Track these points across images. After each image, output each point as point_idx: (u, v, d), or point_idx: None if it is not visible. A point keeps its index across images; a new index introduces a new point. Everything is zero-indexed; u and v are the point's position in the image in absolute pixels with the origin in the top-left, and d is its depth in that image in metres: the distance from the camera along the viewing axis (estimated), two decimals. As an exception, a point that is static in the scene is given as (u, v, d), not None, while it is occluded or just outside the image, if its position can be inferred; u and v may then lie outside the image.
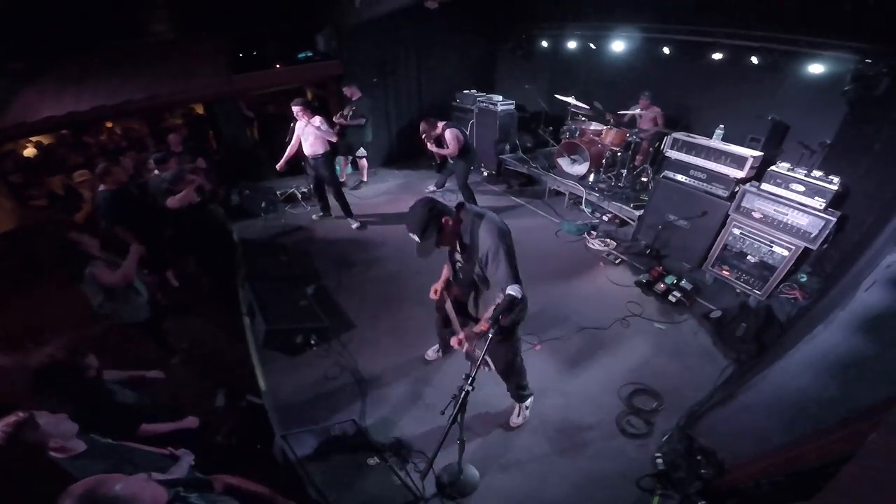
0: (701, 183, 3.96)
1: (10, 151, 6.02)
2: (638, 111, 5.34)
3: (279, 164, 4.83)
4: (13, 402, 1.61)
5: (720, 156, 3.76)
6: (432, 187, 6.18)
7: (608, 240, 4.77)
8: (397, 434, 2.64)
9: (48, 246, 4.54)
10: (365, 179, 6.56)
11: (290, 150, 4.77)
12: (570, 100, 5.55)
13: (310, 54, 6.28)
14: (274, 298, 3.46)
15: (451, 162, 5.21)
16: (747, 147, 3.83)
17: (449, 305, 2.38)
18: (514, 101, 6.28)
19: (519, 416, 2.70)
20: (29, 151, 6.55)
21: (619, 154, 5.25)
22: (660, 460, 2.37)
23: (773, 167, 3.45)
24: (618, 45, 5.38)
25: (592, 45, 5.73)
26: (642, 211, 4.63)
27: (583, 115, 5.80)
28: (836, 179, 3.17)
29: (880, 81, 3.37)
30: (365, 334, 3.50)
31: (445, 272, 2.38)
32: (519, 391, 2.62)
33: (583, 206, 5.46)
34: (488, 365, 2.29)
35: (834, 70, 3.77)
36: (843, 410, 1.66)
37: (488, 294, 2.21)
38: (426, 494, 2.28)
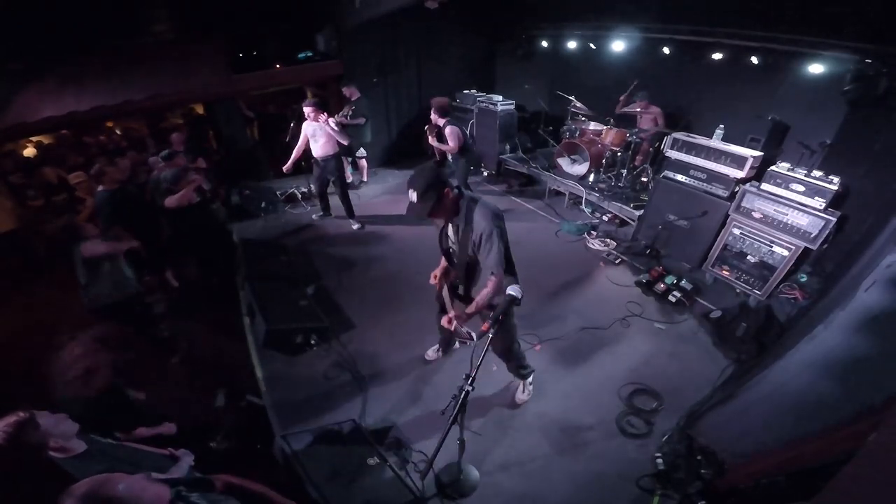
0: (701, 183, 3.96)
1: (10, 151, 6.02)
2: (638, 110, 5.34)
3: (286, 166, 4.79)
4: None
5: (720, 156, 3.76)
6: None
7: (608, 240, 4.77)
8: (397, 434, 2.64)
9: (48, 245, 4.55)
10: (365, 179, 6.56)
11: (297, 151, 4.75)
12: (572, 99, 5.54)
13: (310, 54, 6.27)
14: (274, 298, 3.46)
15: (451, 160, 5.21)
16: (747, 147, 3.83)
17: (446, 292, 2.41)
18: (514, 101, 6.27)
19: (524, 392, 2.80)
20: (29, 151, 6.55)
21: (619, 154, 5.25)
22: (660, 460, 2.37)
23: (773, 167, 3.45)
24: (618, 45, 5.37)
25: (592, 45, 5.73)
26: (642, 211, 4.63)
27: (583, 115, 5.80)
28: (836, 179, 3.17)
29: (880, 81, 3.36)
30: (365, 334, 3.50)
31: (444, 260, 2.40)
32: (520, 370, 2.71)
33: (583, 206, 5.45)
34: (472, 338, 2.24)
35: (834, 70, 3.76)
36: (842, 410, 1.66)
37: (480, 277, 2.23)
38: (426, 494, 2.28)
